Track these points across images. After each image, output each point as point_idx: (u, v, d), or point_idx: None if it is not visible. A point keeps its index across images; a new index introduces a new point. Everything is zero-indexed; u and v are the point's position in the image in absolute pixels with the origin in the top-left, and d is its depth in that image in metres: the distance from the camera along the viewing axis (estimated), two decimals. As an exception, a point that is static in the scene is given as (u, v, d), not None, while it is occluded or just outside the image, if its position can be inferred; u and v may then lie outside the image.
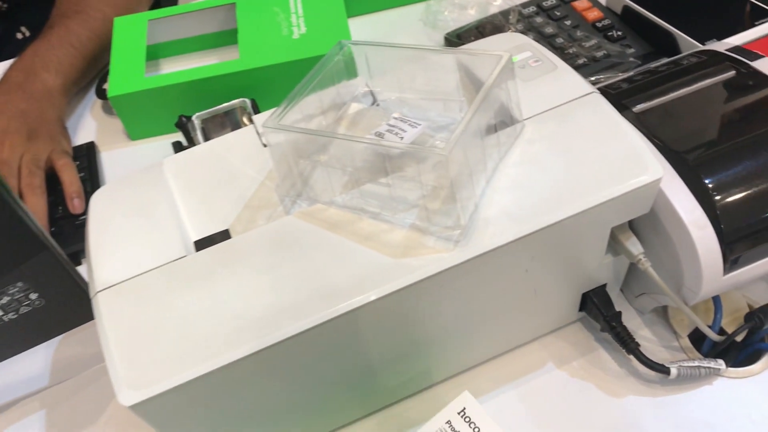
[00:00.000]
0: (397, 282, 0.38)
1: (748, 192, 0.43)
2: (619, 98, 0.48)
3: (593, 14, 0.67)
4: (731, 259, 0.42)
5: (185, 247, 0.42)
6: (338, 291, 0.38)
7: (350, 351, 0.42)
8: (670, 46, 0.61)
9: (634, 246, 0.45)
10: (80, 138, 0.71)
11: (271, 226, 0.42)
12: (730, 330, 0.49)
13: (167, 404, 0.38)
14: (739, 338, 0.49)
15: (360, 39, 0.73)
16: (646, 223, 0.45)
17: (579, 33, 0.65)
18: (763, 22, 0.58)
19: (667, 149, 0.44)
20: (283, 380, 0.41)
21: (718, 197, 0.42)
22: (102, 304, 0.40)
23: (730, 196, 0.42)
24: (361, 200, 0.42)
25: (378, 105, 0.49)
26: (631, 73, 0.52)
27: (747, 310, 0.51)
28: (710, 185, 0.43)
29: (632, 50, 0.63)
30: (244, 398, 0.41)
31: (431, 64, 0.47)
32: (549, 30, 0.66)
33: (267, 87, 0.64)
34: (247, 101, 0.62)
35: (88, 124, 0.72)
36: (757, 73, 0.48)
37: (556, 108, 0.45)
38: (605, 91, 0.50)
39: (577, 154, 0.42)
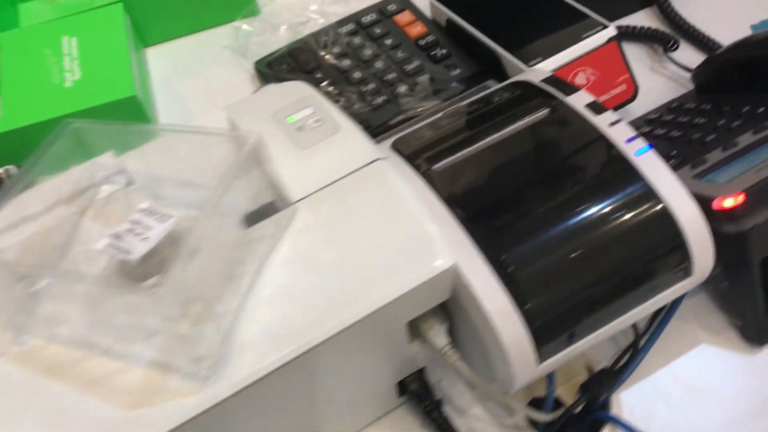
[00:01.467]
0: (125, 445, 0.31)
1: (559, 270, 0.37)
2: (417, 154, 0.41)
3: (416, 30, 0.59)
4: (545, 347, 0.37)
5: None
6: (52, 465, 0.30)
7: None
8: (497, 66, 0.54)
9: (438, 337, 0.38)
10: None
11: (-22, 374, 0.33)
12: (569, 399, 0.44)
13: None
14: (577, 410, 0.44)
15: (159, 72, 0.64)
16: (453, 305, 0.39)
17: (400, 54, 0.58)
18: (590, 35, 0.52)
19: (467, 219, 0.38)
20: None
21: (524, 278, 0.36)
22: None
23: (539, 275, 0.36)
24: (90, 331, 0.34)
25: (133, 185, 0.41)
26: (438, 115, 0.45)
27: (586, 374, 0.45)
28: (515, 264, 0.36)
29: (458, 71, 0.56)
30: None
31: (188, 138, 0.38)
32: (368, 52, 0.58)
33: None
34: (12, 169, 0.52)
35: None
36: (571, 113, 0.42)
37: (336, 183, 0.38)
38: (405, 141, 0.43)
39: (355, 243, 0.35)
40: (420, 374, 0.42)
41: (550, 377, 0.42)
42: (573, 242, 0.37)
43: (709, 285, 0.48)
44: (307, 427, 0.40)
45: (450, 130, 0.43)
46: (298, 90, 0.43)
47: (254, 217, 0.37)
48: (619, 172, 0.39)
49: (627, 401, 0.45)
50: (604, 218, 0.38)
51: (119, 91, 0.53)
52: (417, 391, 0.42)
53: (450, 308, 0.39)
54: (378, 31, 0.60)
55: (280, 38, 0.61)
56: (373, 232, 0.36)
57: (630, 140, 0.40)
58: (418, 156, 0.41)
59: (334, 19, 0.61)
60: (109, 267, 0.35)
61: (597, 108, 0.41)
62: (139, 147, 0.40)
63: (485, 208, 0.38)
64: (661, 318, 0.45)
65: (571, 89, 0.43)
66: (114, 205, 0.40)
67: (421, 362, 0.42)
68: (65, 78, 0.55)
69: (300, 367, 0.34)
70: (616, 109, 0.53)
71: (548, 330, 0.36)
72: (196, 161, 0.37)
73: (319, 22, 0.63)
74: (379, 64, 0.57)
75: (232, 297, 0.34)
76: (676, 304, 0.45)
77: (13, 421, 0.31)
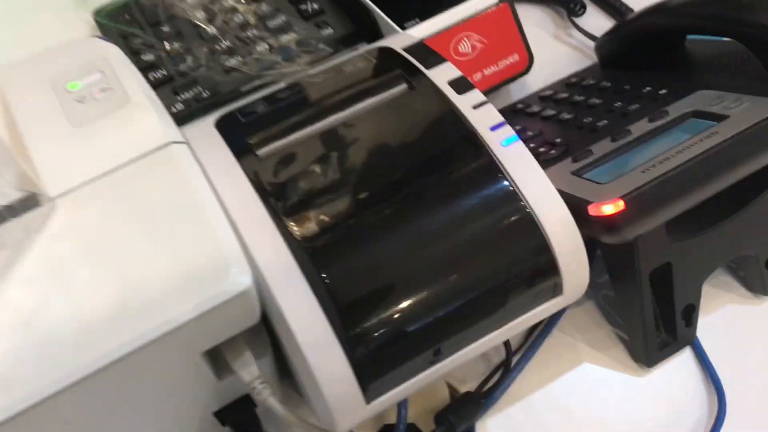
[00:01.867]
0: None
1: (395, 289, 0.29)
2: (241, 135, 0.33)
3: (287, -21, 0.50)
4: (375, 383, 0.29)
5: None
6: None
7: None
8: (374, 27, 0.46)
9: (245, 369, 0.31)
10: None
11: None
12: (427, 426, 0.38)
13: None
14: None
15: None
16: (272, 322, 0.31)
17: (265, 6, 0.49)
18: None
19: (288, 223, 0.30)
20: None
21: (349, 300, 0.29)
22: None
23: (369, 296, 0.29)
24: None
25: None
26: (280, 86, 0.37)
27: (449, 395, 0.39)
28: (338, 282, 0.29)
29: (329, 31, 0.47)
30: None
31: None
32: (226, 3, 0.49)
33: None
34: None
35: None
36: (429, 91, 0.34)
37: (112, 173, 0.29)
38: (232, 118, 0.35)
39: (125, 256, 0.27)
40: (243, 403, 0.35)
41: (400, 404, 0.35)
42: (414, 255, 0.30)
43: (599, 292, 0.41)
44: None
45: (288, 107, 0.35)
46: (92, 49, 0.34)
47: None
48: (478, 168, 0.31)
49: (495, 429, 0.38)
50: (454, 225, 0.30)
51: None
52: (238, 422, 0.35)
53: (276, 332, 0.32)
54: (242, -21, 0.50)
55: (126, -18, 0.51)
56: (152, 241, 0.28)
57: (496, 128, 0.32)
58: (242, 137, 0.33)
59: (192, -39, 0.51)
60: None
61: (461, 86, 0.34)
62: None
63: (310, 208, 0.31)
64: (536, 335, 0.39)
65: (435, 60, 0.35)
66: None
67: (241, 391, 0.34)
68: None
69: (41, 417, 0.26)
70: (508, 82, 0.46)
71: (379, 363, 0.29)
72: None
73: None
74: (238, 18, 0.48)
75: (-53, 327, 0.25)
76: (553, 320, 0.39)
77: None
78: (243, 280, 0.27)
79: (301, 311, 0.29)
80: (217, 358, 0.31)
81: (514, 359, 0.39)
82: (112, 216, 0.28)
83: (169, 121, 0.31)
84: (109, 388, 0.27)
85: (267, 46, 0.47)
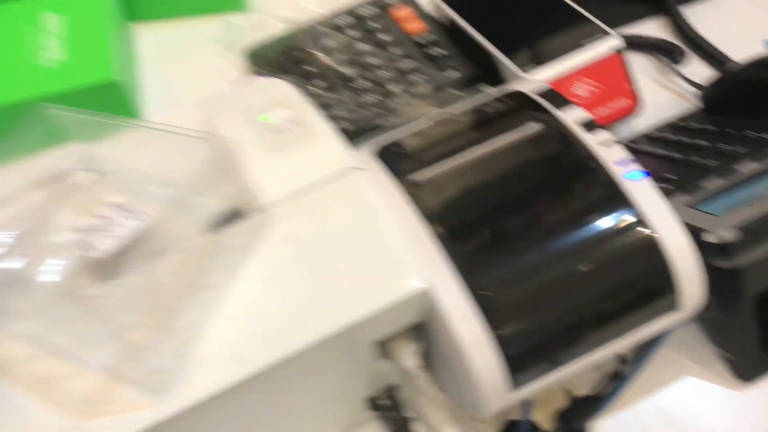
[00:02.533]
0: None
1: (537, 297, 0.35)
2: (400, 163, 0.39)
3: (415, 26, 0.57)
4: (518, 376, 0.35)
5: None
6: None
7: None
8: (493, 70, 0.52)
9: (407, 359, 0.36)
10: None
11: None
12: (544, 423, 0.42)
13: None
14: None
15: (146, 53, 0.61)
16: (428, 326, 0.37)
17: (396, 50, 0.55)
18: (594, 44, 0.49)
19: (446, 238, 0.36)
20: None
21: (500, 304, 0.34)
22: None
23: (516, 302, 0.35)
24: (48, 328, 0.33)
25: (106, 177, 0.39)
26: (427, 122, 0.43)
27: (565, 399, 0.44)
28: (491, 289, 0.35)
29: (454, 73, 0.54)
30: None
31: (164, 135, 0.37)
32: (361, 47, 0.56)
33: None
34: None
35: None
36: (562, 130, 0.39)
37: (308, 192, 0.36)
38: (389, 148, 0.41)
39: (324, 259, 0.34)
40: (390, 390, 0.41)
41: (525, 403, 0.41)
42: (553, 269, 0.35)
43: (702, 314, 0.46)
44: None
45: (436, 140, 0.41)
46: (278, 89, 0.41)
47: (219, 222, 0.35)
48: (607, 197, 0.37)
49: (606, 431, 0.43)
50: (587, 245, 0.36)
51: (98, 74, 0.51)
52: (385, 407, 0.40)
53: (425, 329, 0.38)
54: (374, 25, 0.57)
55: (271, 30, 0.59)
56: (343, 247, 0.34)
57: (621, 163, 0.37)
58: (401, 165, 0.39)
59: (329, 11, 0.59)
60: (72, 261, 0.33)
61: (590, 126, 0.39)
62: (114, 139, 0.38)
63: (465, 227, 0.36)
64: (648, 348, 0.43)
65: (564, 103, 0.41)
66: (85, 197, 0.38)
67: (392, 379, 0.40)
68: (42, 57, 0.52)
69: (258, 385, 0.32)
70: (616, 122, 0.51)
71: (522, 359, 0.35)
72: (170, 159, 0.36)
73: (316, 12, 0.60)
74: (372, 60, 0.55)
75: (195, 309, 0.32)
76: (664, 335, 0.43)
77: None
78: (416, 284, 0.33)
79: (459, 311, 0.34)
80: (381, 349, 0.37)
81: (626, 370, 0.43)
82: (311, 227, 0.34)
83: (349, 150, 0.38)
84: (302, 367, 0.33)
85: (399, 86, 0.53)
